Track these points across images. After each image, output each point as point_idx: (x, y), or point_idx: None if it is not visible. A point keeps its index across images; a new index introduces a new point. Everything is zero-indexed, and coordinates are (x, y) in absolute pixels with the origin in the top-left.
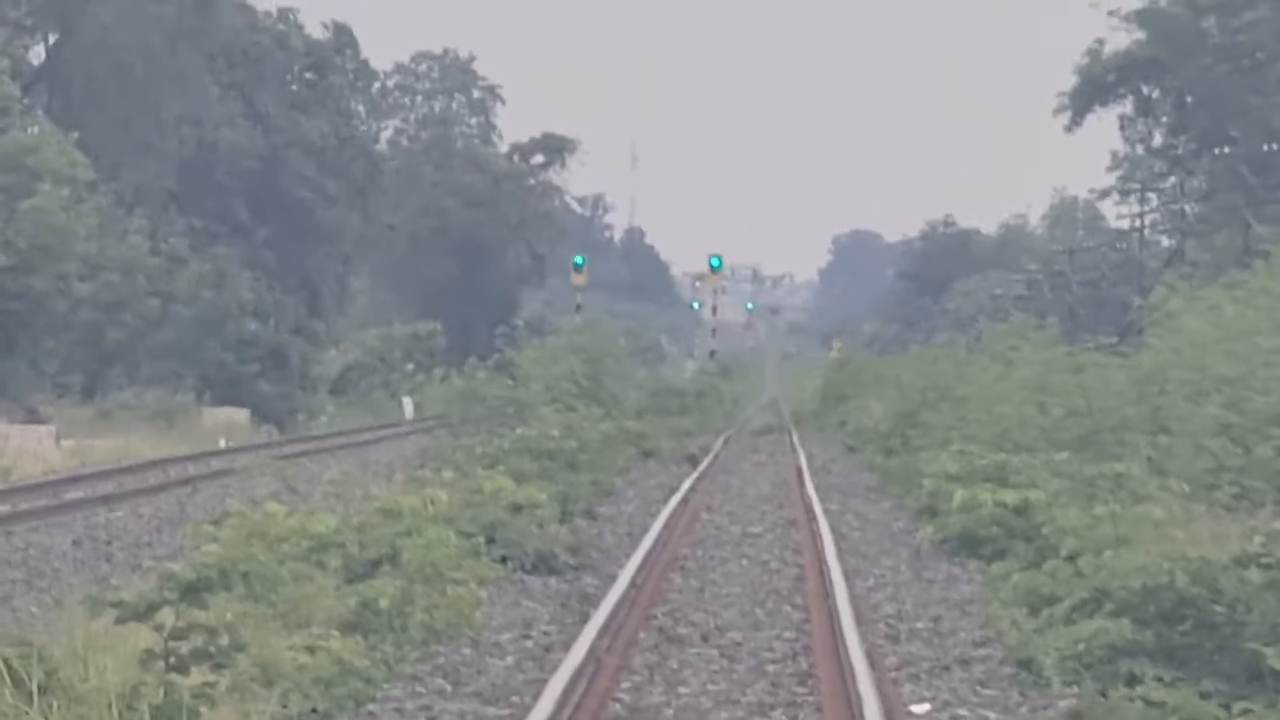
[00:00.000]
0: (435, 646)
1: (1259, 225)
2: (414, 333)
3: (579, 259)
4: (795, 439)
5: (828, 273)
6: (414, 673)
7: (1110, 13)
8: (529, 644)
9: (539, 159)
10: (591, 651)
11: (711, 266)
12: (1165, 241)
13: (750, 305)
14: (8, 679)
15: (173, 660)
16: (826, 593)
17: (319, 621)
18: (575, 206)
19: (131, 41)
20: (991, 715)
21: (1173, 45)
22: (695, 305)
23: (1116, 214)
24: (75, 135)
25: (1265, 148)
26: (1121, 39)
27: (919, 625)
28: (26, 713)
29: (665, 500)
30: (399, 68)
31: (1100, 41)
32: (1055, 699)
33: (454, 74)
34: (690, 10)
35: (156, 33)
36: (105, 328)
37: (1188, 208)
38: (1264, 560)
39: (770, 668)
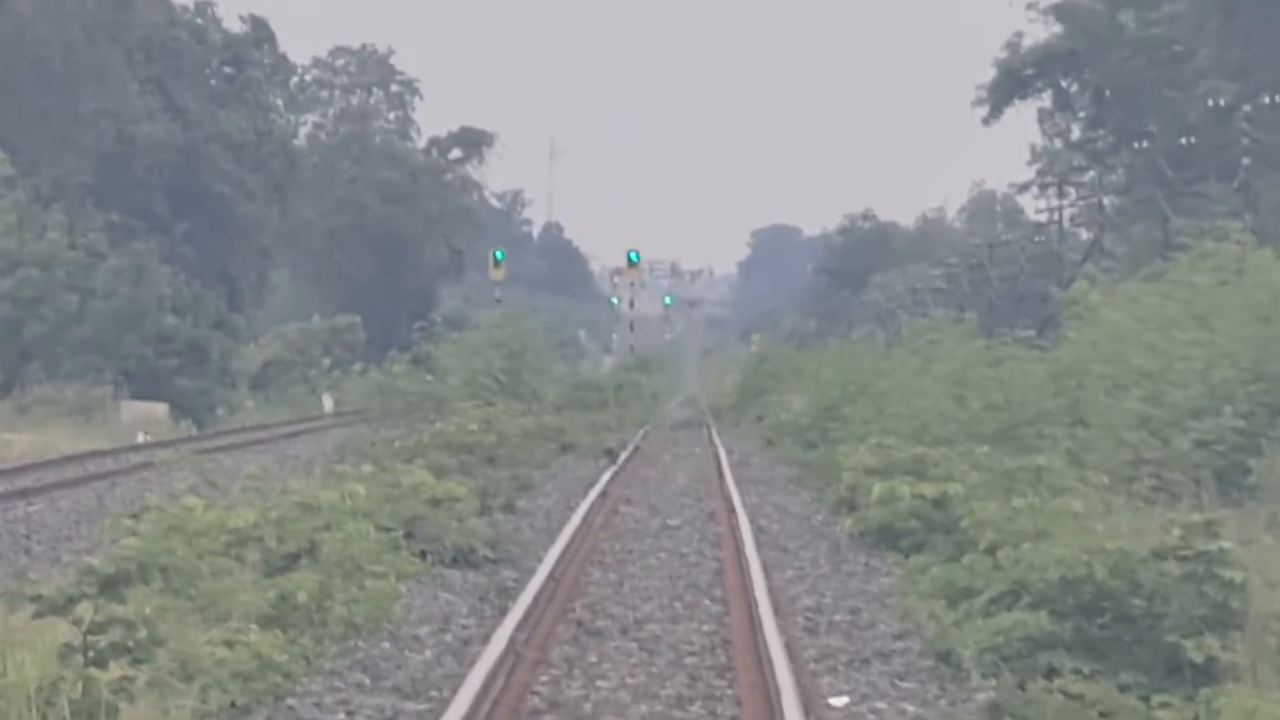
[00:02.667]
0: (354, 640)
1: (1177, 218)
2: (333, 327)
3: (498, 253)
4: (714, 433)
5: (746, 266)
6: (333, 667)
7: (1029, 6)
8: (448, 638)
9: (457, 153)
10: (510, 645)
11: (629, 260)
12: (1084, 235)
13: (668, 300)
14: None
15: (91, 654)
16: (745, 585)
17: (238, 616)
18: (493, 201)
19: (49, 35)
20: (910, 708)
21: (1090, 39)
22: (614, 300)
23: (1035, 207)
24: None
25: (1183, 141)
26: (1040, 32)
27: (838, 618)
28: None
29: (584, 494)
30: (317, 62)
31: (1019, 35)
32: (974, 692)
33: (372, 68)
34: (609, 3)
35: (74, 26)
36: (23, 322)
37: (1106, 201)
38: (1182, 553)
39: (689, 660)
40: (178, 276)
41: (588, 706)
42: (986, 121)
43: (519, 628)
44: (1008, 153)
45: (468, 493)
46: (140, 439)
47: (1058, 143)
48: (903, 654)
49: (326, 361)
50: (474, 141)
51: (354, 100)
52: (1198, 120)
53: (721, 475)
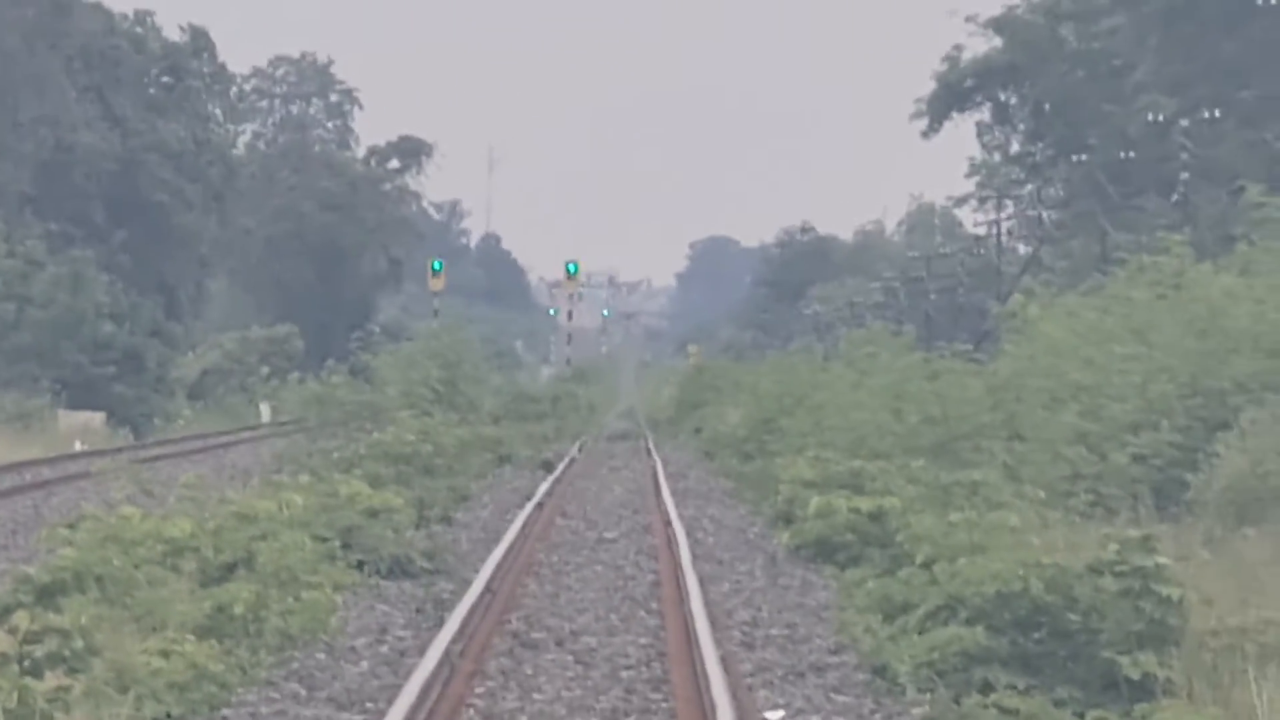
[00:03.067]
0: (290, 651)
1: (1116, 232)
2: (271, 336)
3: (436, 264)
4: (651, 445)
5: (685, 278)
6: (269, 677)
7: (968, 19)
8: (384, 649)
9: (396, 163)
10: (446, 656)
11: (568, 272)
12: (1023, 249)
13: (606, 311)
14: None
15: (27, 664)
16: (682, 598)
17: (174, 626)
18: (432, 211)
19: None
20: None
21: (1030, 52)
22: (552, 311)
23: (974, 221)
24: None
25: (1122, 155)
26: (979, 45)
27: (774, 631)
28: None
29: (521, 505)
30: (256, 71)
31: (958, 48)
32: (909, 706)
33: (311, 77)
34: (546, 13)
35: (13, 34)
36: None
37: (1045, 215)
38: (1119, 568)
39: (625, 673)
40: (115, 285)
41: (523, 718)
42: (926, 134)
43: (455, 639)
44: (947, 166)
45: (405, 503)
46: (77, 448)
47: (996, 156)
48: (838, 668)
49: (264, 371)
50: (413, 151)
51: (293, 109)
52: (1137, 134)
53: (658, 487)
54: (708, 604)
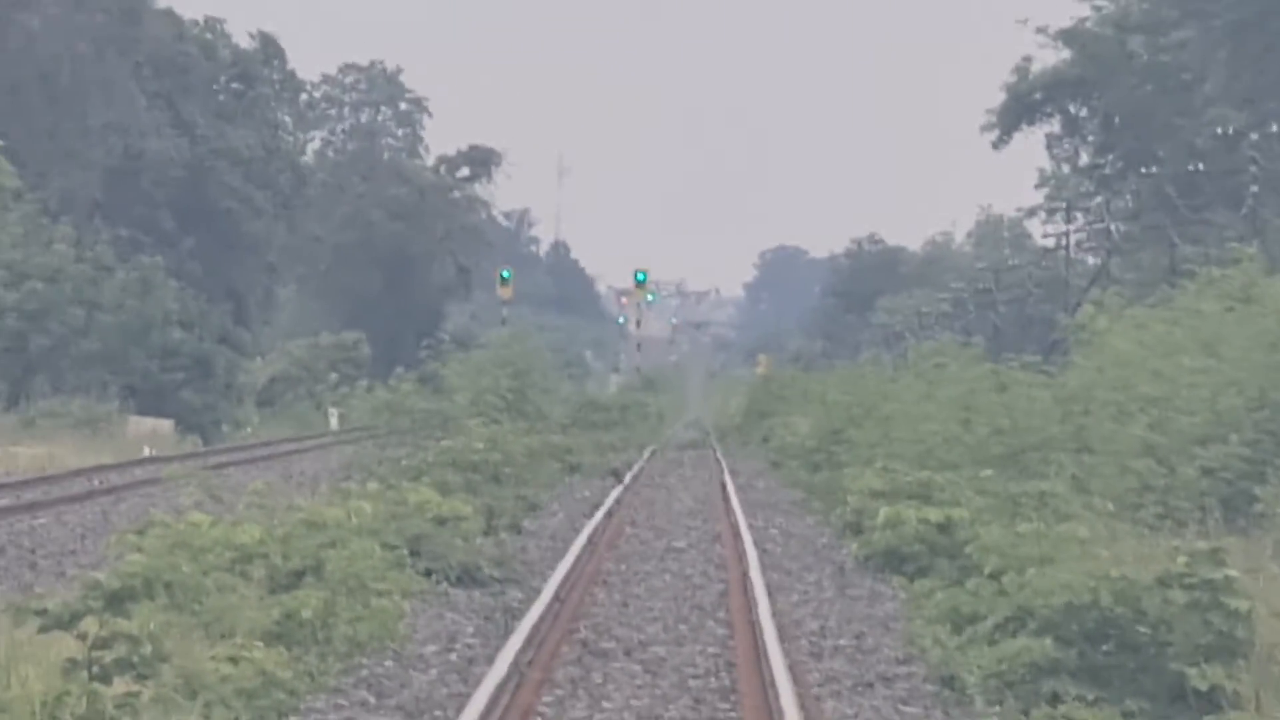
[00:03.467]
0: (358, 659)
1: (1184, 245)
2: (339, 343)
3: (505, 272)
4: (720, 454)
5: (754, 288)
6: (337, 685)
7: (1039, 31)
8: (452, 657)
9: (465, 171)
10: (515, 665)
11: (637, 281)
12: (1091, 260)
13: (674, 321)
14: None
15: (96, 670)
16: (750, 608)
17: (242, 632)
18: (501, 220)
19: (58, 49)
20: None
21: (1100, 64)
22: (620, 320)
23: (1042, 232)
24: (0, 143)
25: (1191, 168)
26: (1049, 58)
27: (842, 642)
28: None
29: (590, 514)
30: (326, 79)
31: (1028, 60)
32: (978, 717)
33: (381, 86)
34: (619, 23)
35: (83, 41)
36: (30, 336)
37: (1114, 227)
38: (1187, 581)
39: (693, 683)
40: (184, 291)
41: None
42: (995, 146)
43: (524, 648)
44: (1016, 178)
45: (473, 511)
46: (146, 454)
47: (1066, 168)
48: (906, 679)
49: (333, 378)
50: (482, 160)
51: (362, 117)
52: (1205, 147)
53: (727, 497)
54: (776, 614)
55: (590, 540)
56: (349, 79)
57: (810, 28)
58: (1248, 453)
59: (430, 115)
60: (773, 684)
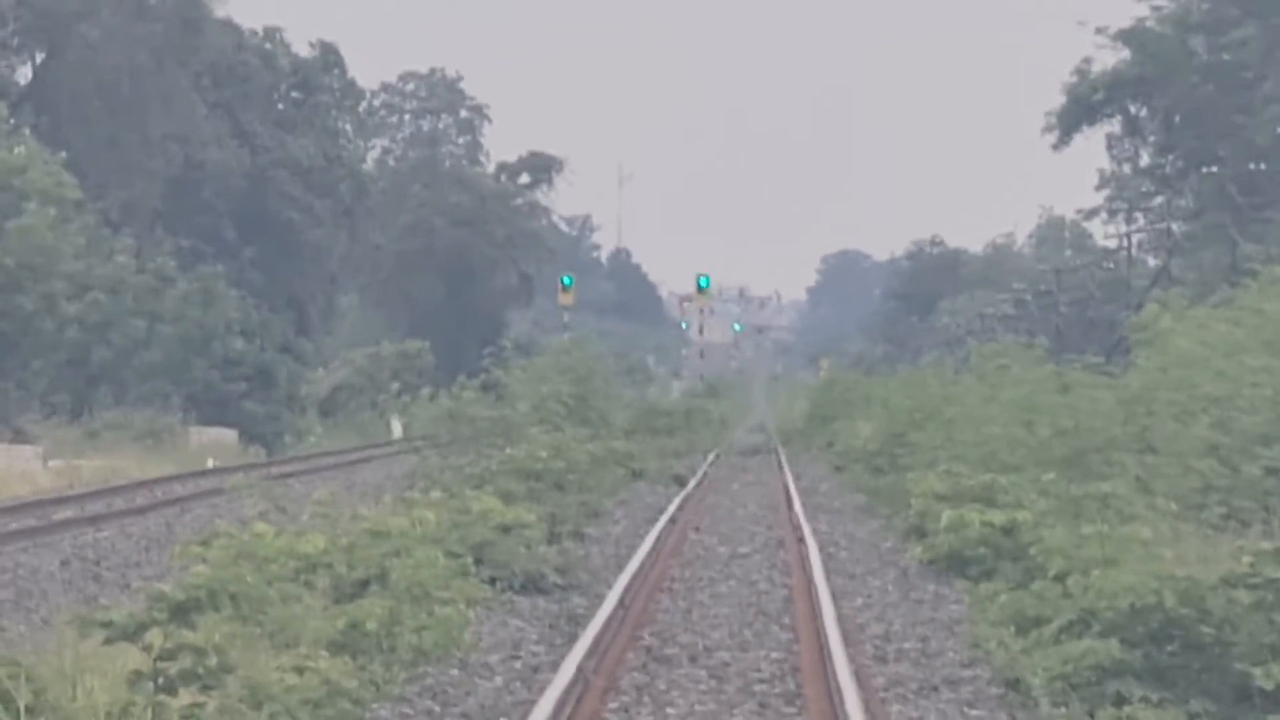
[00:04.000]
0: (423, 667)
1: (1246, 244)
2: (401, 352)
3: (566, 279)
4: (783, 459)
5: (815, 292)
6: (402, 693)
7: (1098, 31)
8: (517, 664)
9: (526, 178)
10: (580, 672)
11: (699, 286)
12: (1153, 261)
13: (737, 326)
14: None
15: (161, 681)
16: (814, 613)
17: (307, 642)
18: (562, 226)
19: (118, 60)
20: None
21: (1160, 64)
22: (683, 325)
23: (1104, 233)
24: (62, 154)
25: (1252, 167)
26: (1109, 58)
27: (907, 645)
28: None
29: (653, 521)
30: (385, 87)
31: (1088, 60)
32: None
33: (441, 93)
34: (679, 29)
35: (143, 51)
36: (92, 347)
37: (1175, 227)
38: (1252, 581)
39: (758, 688)
40: (246, 301)
41: None
42: (1056, 147)
43: (588, 655)
44: (1077, 179)
45: (537, 519)
46: (209, 464)
47: (1126, 168)
48: (971, 682)
49: (395, 387)
50: (543, 166)
51: (423, 125)
52: (1267, 146)
53: (790, 502)
54: (840, 618)
55: (654, 547)
56: (409, 86)
57: (870, 31)
58: None
59: (490, 122)
60: (838, 689)
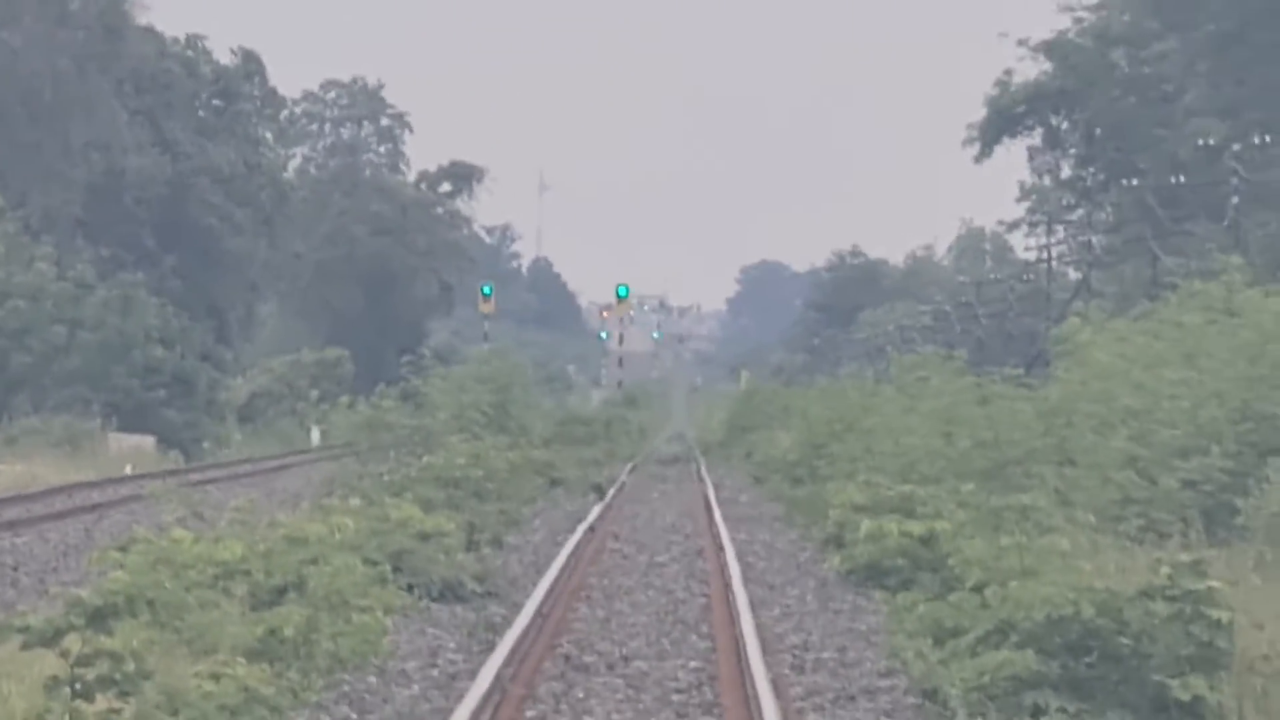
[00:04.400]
0: (341, 674)
1: (1166, 257)
2: (321, 360)
3: (486, 288)
4: (703, 469)
5: (735, 303)
6: (320, 700)
7: (1019, 43)
8: (435, 672)
9: (447, 187)
10: (497, 680)
11: (618, 295)
12: (1073, 273)
13: (656, 335)
14: None
15: (78, 687)
16: (733, 622)
17: (225, 649)
18: (483, 235)
19: (40, 67)
20: None
21: (1081, 77)
22: (603, 335)
23: (1024, 245)
24: None
25: (1173, 179)
26: (1030, 70)
27: (825, 655)
28: None
29: (572, 529)
30: (307, 95)
31: (1009, 72)
32: None
33: (362, 101)
34: (599, 39)
35: (65, 58)
36: (11, 354)
37: (1095, 239)
38: (1169, 593)
39: (676, 697)
40: (166, 309)
41: None
42: (977, 160)
43: (506, 663)
44: (997, 191)
45: (455, 527)
46: (128, 471)
47: (1047, 180)
48: (889, 692)
49: (314, 394)
50: (464, 175)
51: (344, 133)
52: (1187, 159)
53: (710, 512)
54: (758, 627)
55: (573, 555)
56: (330, 95)
57: (791, 40)
58: (1229, 464)
59: (411, 131)
60: (755, 698)
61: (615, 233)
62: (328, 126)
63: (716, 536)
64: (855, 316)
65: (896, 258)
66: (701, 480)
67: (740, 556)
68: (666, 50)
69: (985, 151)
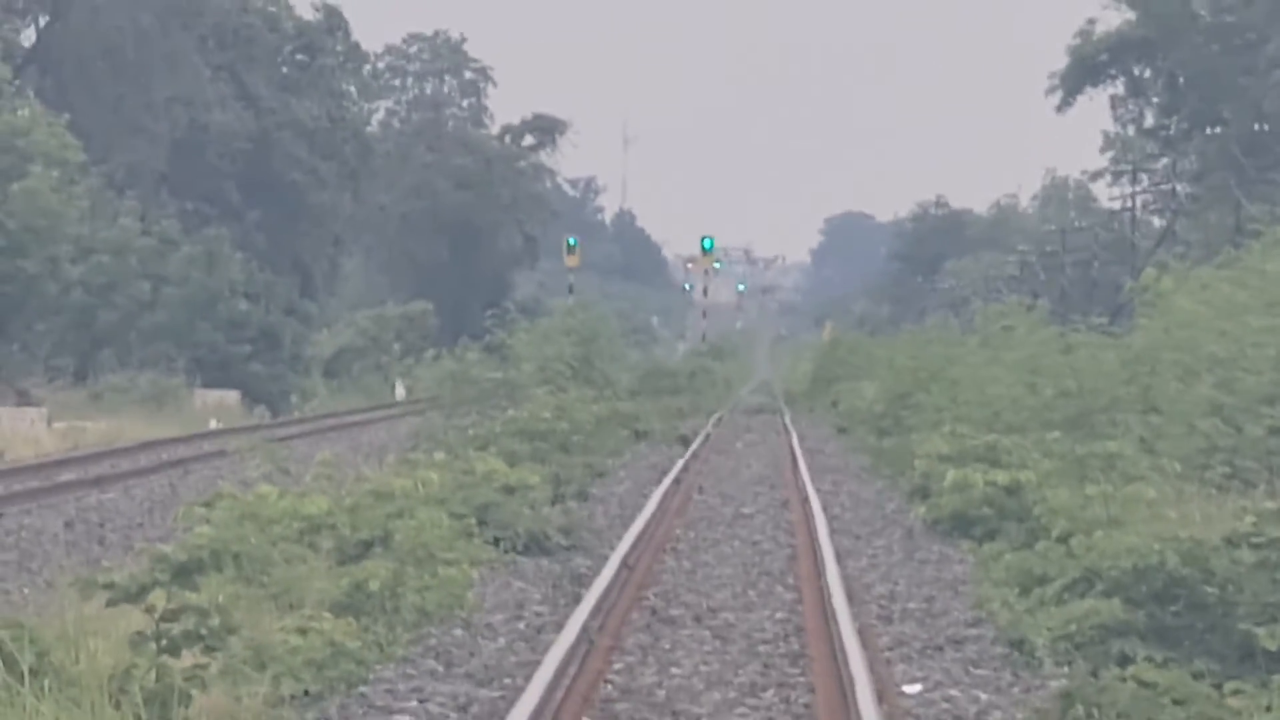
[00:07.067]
0: (427, 628)
1: (1250, 205)
2: (406, 314)
3: (571, 240)
4: (787, 420)
5: (819, 254)
6: (406, 654)
7: None
8: (521, 625)
9: (530, 140)
10: (584, 632)
11: (703, 248)
12: (1157, 222)
13: (741, 287)
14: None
15: (164, 642)
16: (819, 573)
17: (311, 603)
18: (567, 188)
19: (122, 23)
20: (983, 695)
21: (1164, 25)
22: (687, 287)
23: (1109, 195)
24: (66, 117)
25: (1256, 128)
26: (1113, 19)
27: (911, 605)
28: (19, 693)
29: (658, 481)
30: (390, 49)
31: (1092, 22)
32: (1047, 679)
33: (445, 55)
34: None
35: (147, 14)
36: (96, 310)
37: (1179, 188)
38: (1255, 540)
39: (762, 648)
40: (250, 263)
41: (661, 694)
42: (1060, 109)
43: (592, 615)
44: (1081, 140)
45: (541, 480)
46: (213, 426)
47: (1131, 130)
48: (976, 641)
49: (398, 348)
50: (547, 128)
51: (427, 87)
52: (1271, 107)
53: (795, 463)
54: (845, 578)
55: (659, 507)
56: (413, 49)
57: None
58: None
59: (495, 84)
60: (842, 649)
61: (700, 185)
62: (410, 80)
63: (802, 488)
64: (939, 266)
65: (981, 208)
66: (786, 431)
67: (826, 508)
68: (749, 3)
69: (1068, 101)
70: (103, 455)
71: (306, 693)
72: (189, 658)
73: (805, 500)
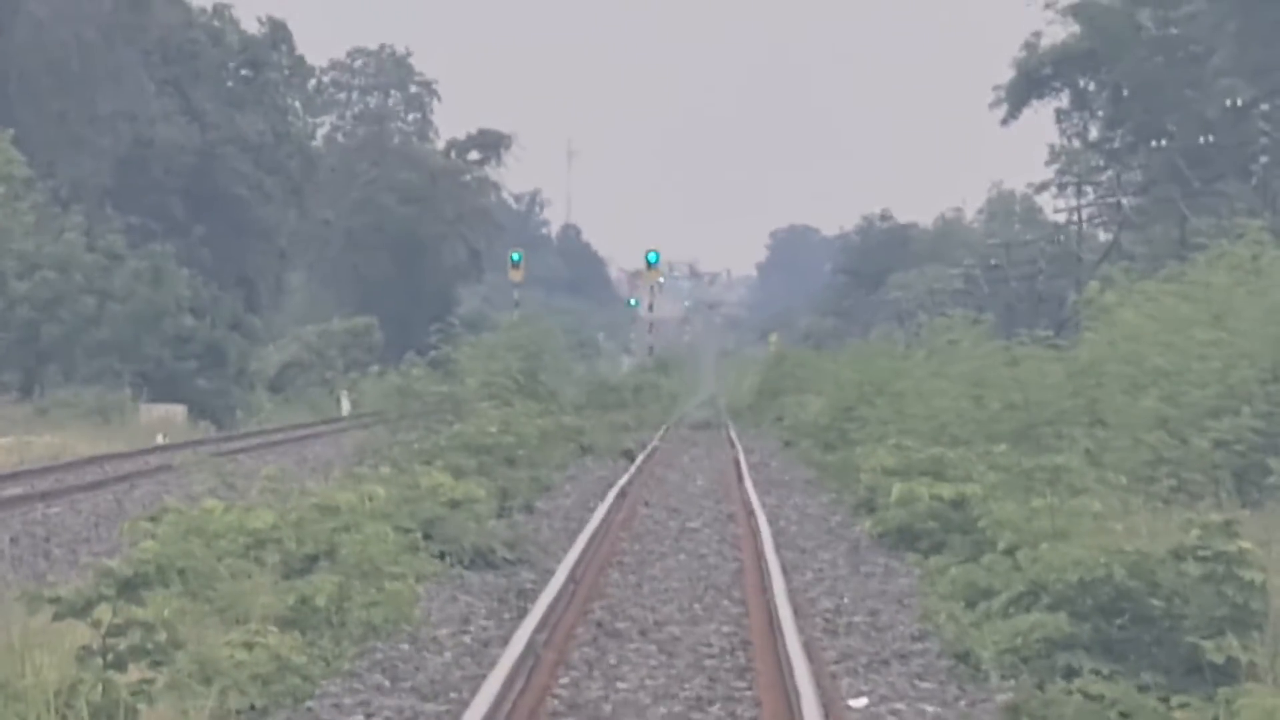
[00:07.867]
0: (373, 642)
1: (1195, 218)
2: (351, 329)
3: (516, 255)
4: (733, 434)
5: (765, 268)
6: (352, 669)
7: (1047, 6)
8: (467, 639)
9: (475, 155)
10: (529, 646)
11: (648, 262)
12: (1102, 235)
13: (687, 302)
14: None
15: (110, 657)
16: (765, 587)
17: (257, 618)
18: (512, 203)
19: (66, 37)
20: (929, 709)
21: (1109, 38)
22: (632, 302)
23: (1054, 207)
24: (10, 132)
25: (1201, 140)
26: (1058, 32)
27: (857, 619)
28: None
29: (603, 495)
30: (335, 64)
31: (1037, 34)
32: (993, 692)
33: (390, 70)
34: (627, 6)
35: (91, 28)
36: (41, 325)
37: (1124, 201)
38: (1201, 553)
39: (708, 662)
40: (195, 278)
41: (607, 707)
42: (1005, 122)
43: (538, 629)
44: (1026, 153)
45: (486, 494)
46: (159, 441)
47: (1076, 142)
48: (921, 655)
49: (343, 363)
50: (492, 143)
51: (372, 102)
52: (1216, 119)
53: (740, 477)
54: (791, 592)
55: (604, 521)
56: (358, 63)
57: (819, 6)
58: (1260, 425)
59: (439, 99)
60: (788, 662)
61: (645, 199)
62: (355, 95)
63: (748, 501)
64: (885, 280)
65: (926, 221)
66: (732, 445)
67: (772, 521)
68: (693, 17)
69: (1013, 113)
70: (48, 470)
71: (253, 707)
72: (135, 672)
73: (751, 514)
